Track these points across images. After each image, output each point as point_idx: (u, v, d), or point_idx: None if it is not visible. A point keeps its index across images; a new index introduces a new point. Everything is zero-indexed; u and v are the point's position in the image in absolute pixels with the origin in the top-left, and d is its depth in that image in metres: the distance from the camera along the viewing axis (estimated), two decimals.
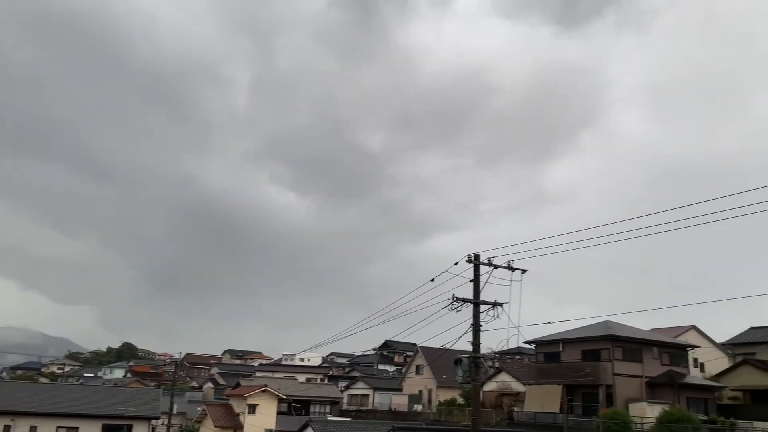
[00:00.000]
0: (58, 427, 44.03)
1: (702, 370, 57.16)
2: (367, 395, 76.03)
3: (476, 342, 19.13)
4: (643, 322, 65.05)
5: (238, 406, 58.47)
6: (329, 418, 54.05)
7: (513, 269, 19.64)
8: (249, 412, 56.75)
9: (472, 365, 19.09)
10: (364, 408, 72.54)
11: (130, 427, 46.02)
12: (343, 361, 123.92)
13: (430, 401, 67.68)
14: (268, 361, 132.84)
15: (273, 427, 56.50)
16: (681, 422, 35.44)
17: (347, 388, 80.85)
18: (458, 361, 19.67)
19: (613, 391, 44.24)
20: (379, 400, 73.06)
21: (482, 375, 20.07)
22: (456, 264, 19.54)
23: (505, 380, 57.79)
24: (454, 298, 18.93)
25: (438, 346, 24.58)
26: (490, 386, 57.82)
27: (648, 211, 15.70)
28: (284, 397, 60.52)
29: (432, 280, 19.57)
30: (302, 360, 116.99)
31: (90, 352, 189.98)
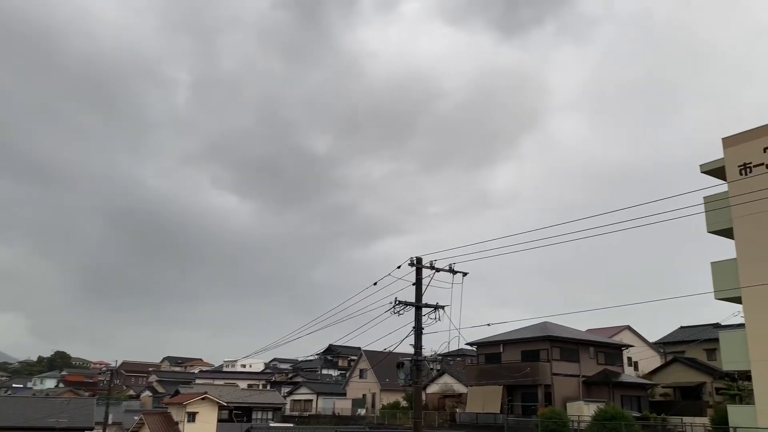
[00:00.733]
0: None
1: (636, 368, 59.22)
2: (311, 400, 75.48)
3: (418, 345, 19.27)
4: (580, 323, 67.10)
5: (177, 415, 56.99)
6: (271, 425, 53.46)
7: (454, 272, 19.91)
8: (188, 421, 55.40)
9: (414, 368, 19.23)
10: (308, 413, 71.98)
11: None
12: (286, 366, 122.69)
13: (374, 405, 67.75)
14: (209, 368, 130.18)
15: None
16: (615, 419, 36.59)
17: (290, 393, 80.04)
18: (400, 365, 19.79)
19: (551, 391, 45.29)
20: (323, 405, 72.64)
21: (424, 377, 20.25)
22: (399, 267, 19.67)
23: (447, 382, 58.38)
24: (397, 302, 19.04)
25: (381, 350, 24.62)
26: (433, 388, 58.33)
27: (584, 214, 16.23)
28: (225, 404, 59.37)
29: (375, 284, 19.64)
30: (244, 366, 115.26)
31: (19, 362, 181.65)
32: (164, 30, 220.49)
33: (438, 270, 19.74)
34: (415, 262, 19.67)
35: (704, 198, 26.98)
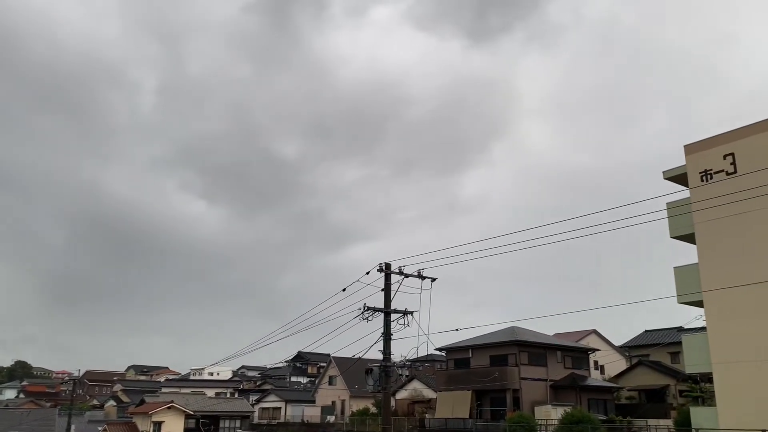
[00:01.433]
0: None
1: (602, 372, 60.06)
2: (279, 408, 74.79)
3: (386, 350, 19.25)
4: (546, 327, 67.69)
5: (142, 424, 55.99)
6: None
7: (423, 278, 19.96)
8: (154, 430, 54.52)
9: (383, 374, 19.19)
10: (276, 421, 71.31)
11: None
12: (255, 374, 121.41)
13: (343, 412, 67.41)
14: (175, 377, 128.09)
15: None
16: (582, 423, 37.02)
17: (258, 401, 79.20)
18: (369, 371, 19.73)
19: (519, 395, 45.59)
20: (292, 413, 72.03)
21: (393, 383, 20.20)
22: (368, 273, 19.65)
23: (417, 388, 58.38)
24: (365, 308, 19.00)
25: (351, 356, 24.52)
26: (402, 394, 58.26)
27: (553, 219, 16.42)
28: (192, 413, 58.56)
29: (344, 290, 19.58)
30: (211, 374, 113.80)
31: None
32: (129, 34, 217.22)
33: (407, 276, 19.78)
34: (383, 267, 19.67)
35: (667, 204, 27.55)
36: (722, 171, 27.80)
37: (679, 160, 30.32)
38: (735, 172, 27.24)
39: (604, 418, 42.87)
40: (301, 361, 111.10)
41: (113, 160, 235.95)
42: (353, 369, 55.76)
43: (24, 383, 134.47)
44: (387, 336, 19.19)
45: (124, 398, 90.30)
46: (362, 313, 19.21)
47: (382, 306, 19.42)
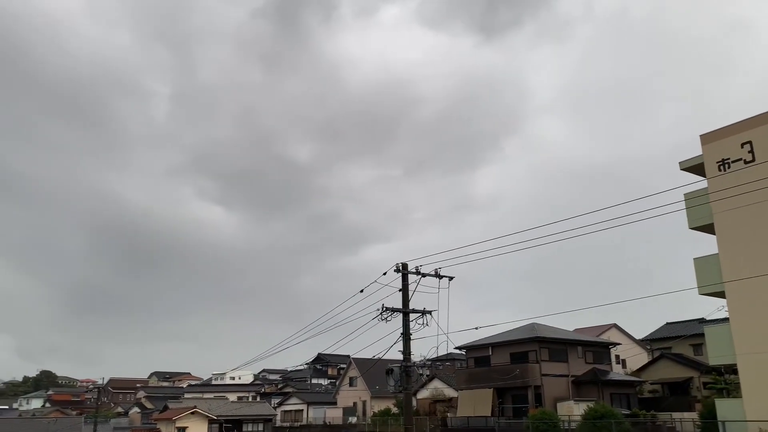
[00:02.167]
0: None
1: (624, 366, 59.57)
2: (301, 410, 75.07)
3: (406, 350, 19.27)
4: (566, 323, 67.36)
5: (166, 430, 56.52)
6: None
7: (440, 277, 19.95)
8: None
9: (403, 374, 19.21)
10: (298, 423, 71.58)
11: None
12: (276, 377, 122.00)
13: (365, 413, 67.50)
14: (198, 382, 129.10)
15: None
16: (605, 418, 36.72)
17: (280, 404, 79.54)
18: (389, 371, 19.75)
19: (541, 392, 45.38)
20: (314, 415, 72.26)
21: (414, 383, 20.20)
22: (385, 274, 19.69)
23: (438, 387, 58.31)
24: (384, 308, 19.03)
25: (371, 357, 24.56)
26: (423, 394, 58.23)
27: (568, 214, 16.36)
28: (215, 417, 59.00)
29: (361, 291, 19.62)
30: (233, 378, 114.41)
31: (4, 383, 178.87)
32: (140, 42, 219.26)
33: (424, 275, 19.78)
34: (400, 268, 19.69)
35: (685, 195, 27.28)
36: (740, 159, 27.50)
37: (695, 150, 30.04)
38: (753, 160, 26.93)
39: (627, 412, 42.53)
40: (321, 362, 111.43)
41: (130, 169, 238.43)
42: (373, 370, 55.82)
43: (50, 392, 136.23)
44: (406, 336, 19.21)
45: (148, 405, 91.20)
46: (381, 313, 19.25)
47: (400, 306, 19.45)
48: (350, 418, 67.67)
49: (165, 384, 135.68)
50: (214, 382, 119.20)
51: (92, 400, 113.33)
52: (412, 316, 19.39)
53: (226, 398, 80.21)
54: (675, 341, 54.01)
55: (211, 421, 58.08)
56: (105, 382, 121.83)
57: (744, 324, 26.99)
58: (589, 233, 16.53)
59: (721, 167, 28.23)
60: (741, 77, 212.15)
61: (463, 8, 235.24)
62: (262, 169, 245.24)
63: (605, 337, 58.46)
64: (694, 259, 29.56)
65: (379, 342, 20.11)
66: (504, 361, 48.62)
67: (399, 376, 19.29)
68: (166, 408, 65.68)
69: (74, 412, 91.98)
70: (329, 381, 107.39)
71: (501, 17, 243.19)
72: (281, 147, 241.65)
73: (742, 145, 27.60)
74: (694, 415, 39.77)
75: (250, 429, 65.06)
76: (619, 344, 56.35)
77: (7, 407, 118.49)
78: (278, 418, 74.21)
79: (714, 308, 38.10)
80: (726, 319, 29.27)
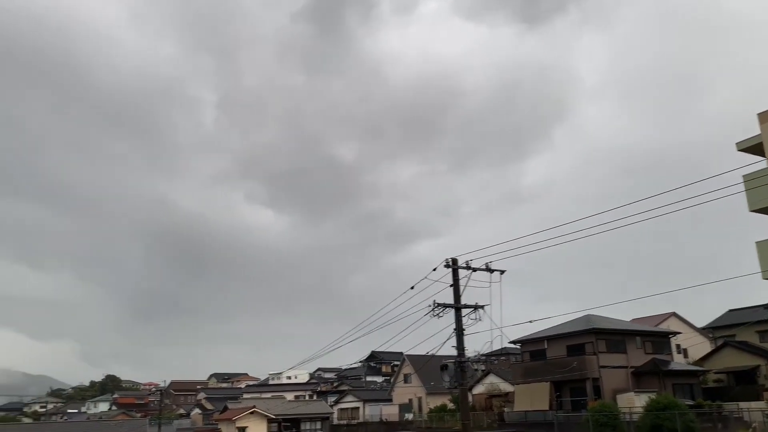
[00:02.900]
0: None
1: (685, 355, 57.89)
2: (357, 408, 75.67)
3: (460, 346, 19.19)
4: (622, 313, 65.83)
5: (227, 430, 57.80)
6: None
7: (491, 271, 19.78)
8: None
9: (458, 370, 19.14)
10: (355, 421, 72.18)
11: None
12: (331, 375, 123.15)
13: (420, 409, 67.56)
14: (255, 382, 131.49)
15: None
16: (668, 409, 35.74)
17: (337, 402, 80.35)
18: (444, 367, 19.70)
19: (600, 384, 44.57)
20: (370, 412, 72.74)
21: (469, 379, 20.12)
22: (435, 270, 19.63)
23: (493, 382, 57.92)
24: (435, 304, 18.99)
25: (424, 353, 24.53)
26: (479, 389, 57.91)
27: (621, 202, 15.97)
28: (274, 416, 59.99)
29: (412, 287, 19.62)
30: (289, 378, 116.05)
31: (72, 388, 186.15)
32: (184, 51, 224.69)
33: (475, 270, 19.64)
34: (450, 263, 19.61)
35: (743, 176, 26.26)
36: None
37: (752, 129, 28.91)
38: None
39: (691, 403, 41.32)
40: (375, 360, 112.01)
41: (181, 176, 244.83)
42: (427, 366, 55.79)
43: (115, 396, 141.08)
44: (459, 332, 19.13)
45: (208, 405, 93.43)
46: (432, 309, 19.21)
47: (451, 302, 19.37)
48: (406, 415, 67.85)
49: (224, 385, 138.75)
50: (271, 382, 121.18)
51: (155, 402, 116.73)
52: (464, 311, 19.30)
53: (284, 397, 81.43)
54: (739, 328, 52.22)
55: (269, 421, 59.09)
56: (166, 384, 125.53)
57: None
58: (644, 220, 16.09)
59: None
60: None
61: None
62: (310, 170, 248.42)
63: (664, 327, 56.94)
64: (756, 242, 28.45)
65: (432, 338, 20.09)
66: (560, 354, 47.93)
67: (454, 372, 19.23)
68: (225, 408, 67.18)
69: (139, 415, 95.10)
70: (383, 378, 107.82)
71: (543, 5, 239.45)
72: (327, 147, 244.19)
73: None
74: (762, 404, 38.40)
75: (308, 427, 65.87)
76: (679, 333, 54.79)
77: (76, 411, 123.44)
78: (335, 416, 74.96)
79: None
80: None
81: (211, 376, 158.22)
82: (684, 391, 44.78)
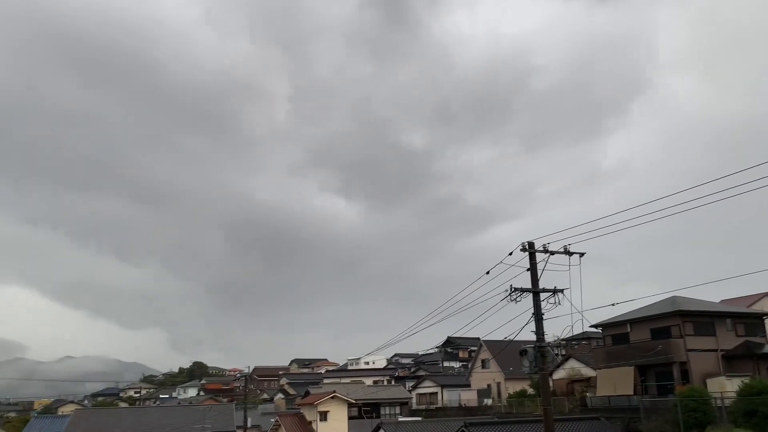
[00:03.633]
0: None
1: None
2: (435, 393, 75.94)
3: (539, 331, 18.88)
4: (710, 294, 62.88)
5: (309, 415, 59.30)
6: (400, 419, 54.21)
7: (570, 253, 19.31)
8: (321, 420, 57.51)
9: (538, 355, 18.85)
10: (434, 406, 72.48)
11: None
12: (408, 361, 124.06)
13: (499, 394, 67.09)
14: (334, 368, 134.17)
15: None
16: (763, 394, 33.99)
17: (414, 387, 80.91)
18: (523, 352, 19.44)
19: (688, 368, 42.86)
20: (448, 397, 72.84)
21: (549, 364, 19.77)
22: (510, 254, 19.32)
23: (574, 366, 56.81)
24: (512, 289, 18.73)
25: (501, 339, 24.25)
26: (560, 374, 56.93)
27: (708, 178, 15.18)
28: (354, 401, 61.03)
29: (487, 272, 19.38)
30: (367, 363, 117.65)
31: (163, 374, 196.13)
32: (257, 47, 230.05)
33: (552, 253, 19.22)
34: (527, 246, 19.26)
35: None
36: None
37: None
38: None
39: None
40: (451, 346, 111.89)
41: (257, 169, 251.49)
42: (505, 351, 55.23)
43: (203, 382, 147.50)
44: (538, 316, 18.81)
45: (290, 391, 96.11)
46: (509, 294, 18.95)
47: (528, 286, 19.04)
48: (485, 400, 67.54)
49: (304, 370, 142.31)
50: (349, 368, 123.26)
51: (240, 388, 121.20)
52: (542, 295, 18.95)
53: (362, 383, 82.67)
54: None
55: (350, 405, 60.15)
56: (250, 370, 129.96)
57: None
58: (731, 196, 15.24)
59: None
60: None
61: None
62: (380, 158, 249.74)
63: (757, 308, 54.06)
64: None
65: (509, 324, 19.83)
66: (644, 338, 46.37)
67: (534, 356, 18.94)
68: (307, 393, 68.96)
69: (225, 400, 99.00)
70: (461, 364, 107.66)
71: None
72: (397, 135, 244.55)
73: None
74: None
75: (387, 412, 66.70)
76: None
77: (167, 396, 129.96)
78: (413, 401, 75.53)
79: None
80: None
81: (292, 361, 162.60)
82: None
